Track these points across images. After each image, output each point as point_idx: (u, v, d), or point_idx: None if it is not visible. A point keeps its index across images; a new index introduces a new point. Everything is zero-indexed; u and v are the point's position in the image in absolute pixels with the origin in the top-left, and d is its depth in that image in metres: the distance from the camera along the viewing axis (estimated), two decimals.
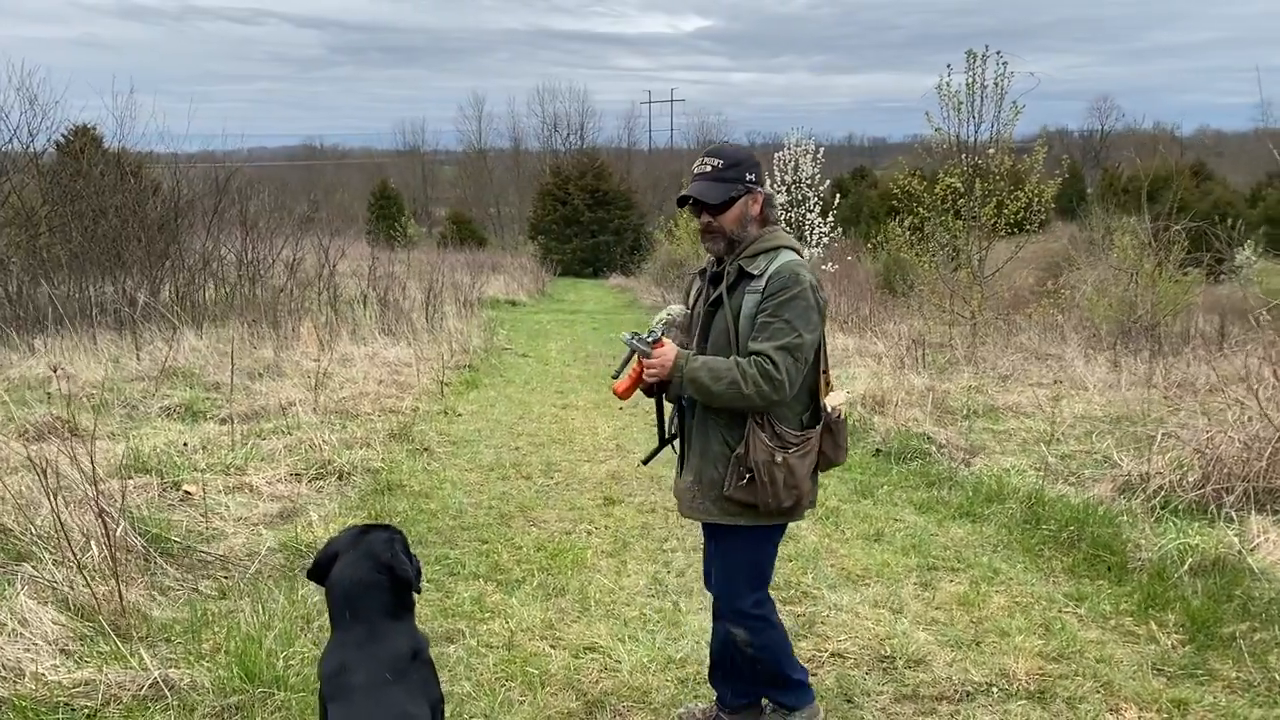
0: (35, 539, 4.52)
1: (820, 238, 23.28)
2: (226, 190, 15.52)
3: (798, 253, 3.10)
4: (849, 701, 3.71)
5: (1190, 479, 5.81)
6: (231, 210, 15.33)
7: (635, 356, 3.07)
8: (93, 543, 4.42)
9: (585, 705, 3.67)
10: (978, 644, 4.19)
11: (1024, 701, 3.69)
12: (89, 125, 16.58)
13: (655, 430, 3.41)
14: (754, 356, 2.93)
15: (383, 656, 2.37)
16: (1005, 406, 8.80)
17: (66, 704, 3.48)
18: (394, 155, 74.03)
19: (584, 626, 4.35)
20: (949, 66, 14.43)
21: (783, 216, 21.44)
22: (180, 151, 16.20)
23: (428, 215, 60.17)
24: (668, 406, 3.35)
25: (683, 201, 3.11)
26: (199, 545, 5.06)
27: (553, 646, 4.16)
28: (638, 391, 3.19)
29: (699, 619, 4.34)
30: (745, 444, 3.01)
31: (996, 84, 14.17)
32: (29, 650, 3.72)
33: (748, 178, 3.08)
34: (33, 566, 4.32)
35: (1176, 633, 4.26)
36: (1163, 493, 5.74)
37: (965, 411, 8.57)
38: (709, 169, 3.07)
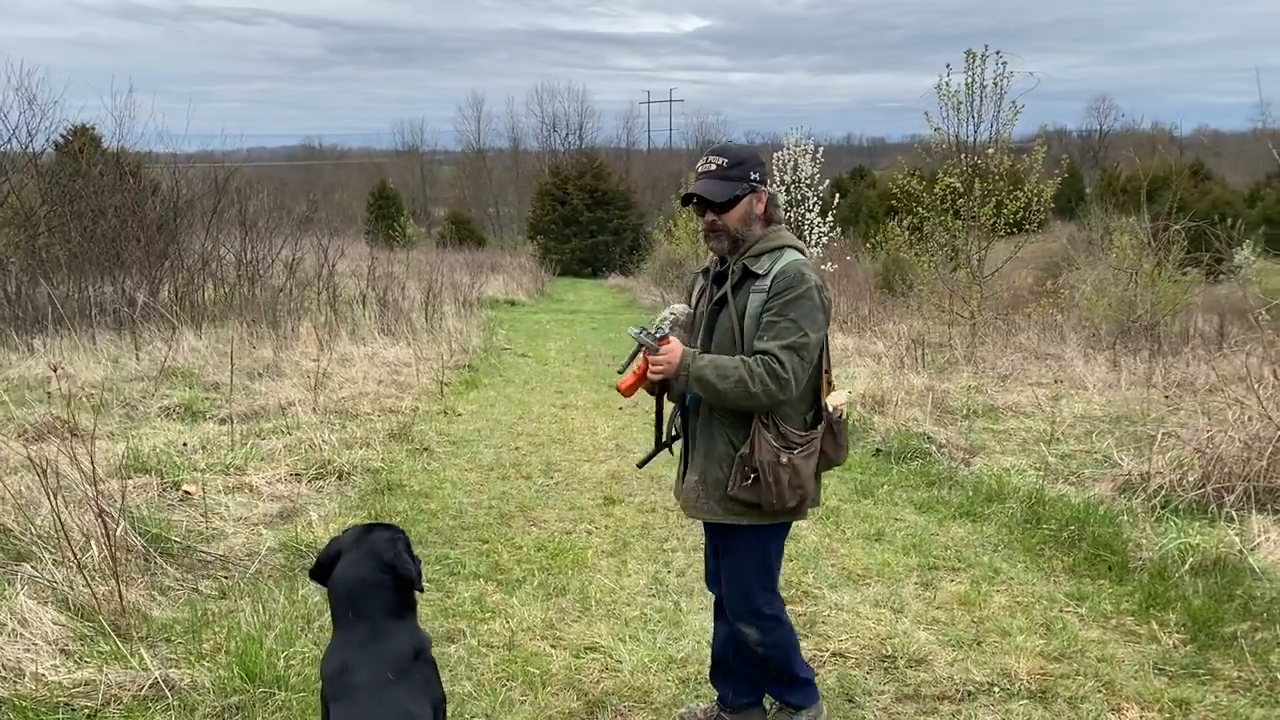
0: (35, 539, 4.52)
1: (819, 237, 23.26)
2: (225, 190, 15.51)
3: (801, 252, 3.10)
4: (850, 701, 3.71)
5: (1191, 478, 5.81)
6: (230, 210, 15.32)
7: (640, 353, 3.05)
8: (93, 543, 4.41)
9: (586, 705, 3.67)
10: (979, 643, 4.19)
11: (1025, 701, 3.69)
12: (88, 125, 16.62)
13: (654, 431, 3.40)
14: (760, 355, 2.92)
15: (385, 656, 2.37)
16: (1005, 406, 8.80)
17: (67, 704, 3.47)
18: (393, 155, 74.07)
19: (585, 626, 4.34)
20: (948, 66, 14.43)
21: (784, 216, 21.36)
22: (179, 151, 16.24)
23: (426, 215, 60.18)
24: (668, 408, 3.34)
25: (687, 200, 3.10)
26: (199, 545, 5.05)
27: (553, 646, 4.15)
28: (638, 392, 3.18)
29: (700, 619, 4.33)
30: (750, 444, 3.00)
31: (996, 84, 14.16)
32: (29, 650, 3.72)
33: (752, 177, 3.08)
34: (33, 566, 4.31)
35: (1178, 632, 4.26)
36: (1163, 492, 5.73)
37: (965, 411, 8.57)
38: (713, 168, 3.07)
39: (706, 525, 3.35)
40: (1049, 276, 20.46)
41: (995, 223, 14.49)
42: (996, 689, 3.78)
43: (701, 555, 4.28)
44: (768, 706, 3.51)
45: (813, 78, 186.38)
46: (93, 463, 4.69)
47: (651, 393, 3.23)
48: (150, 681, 3.56)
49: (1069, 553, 5.25)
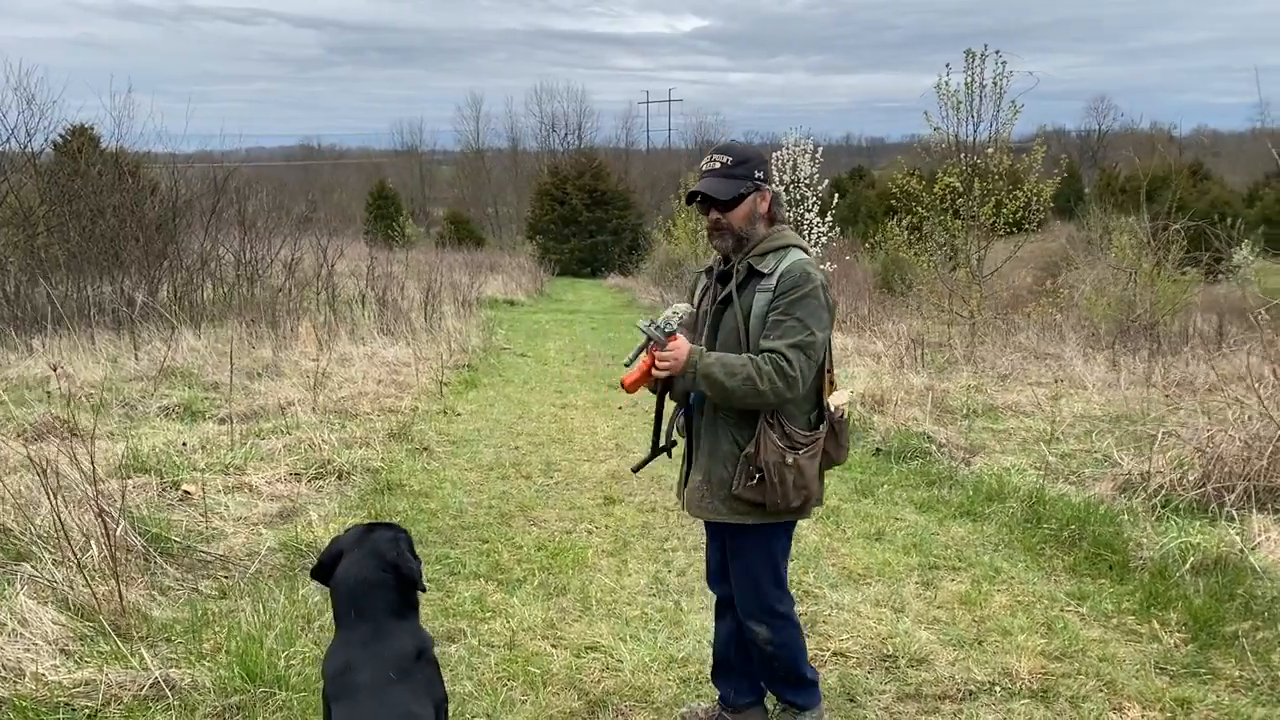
0: (35, 538, 4.51)
1: (819, 237, 23.26)
2: (224, 190, 15.50)
3: (806, 252, 3.09)
4: (852, 700, 3.71)
5: (1191, 478, 5.81)
6: (229, 210, 15.30)
7: (647, 348, 3.03)
8: (92, 542, 4.40)
9: (587, 705, 3.66)
10: (980, 643, 4.19)
11: (1027, 700, 3.69)
12: (86, 125, 16.59)
13: (653, 432, 3.39)
14: (768, 354, 2.92)
15: (387, 655, 2.36)
16: (1004, 406, 8.80)
17: (67, 704, 3.46)
18: (392, 155, 74.02)
19: (585, 626, 4.34)
20: (948, 66, 14.44)
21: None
22: (178, 151, 16.23)
23: (425, 215, 60.20)
24: (668, 410, 3.33)
25: (691, 198, 3.09)
26: (199, 545, 5.05)
27: (554, 646, 4.15)
28: (640, 391, 3.17)
29: (700, 618, 4.33)
30: (756, 443, 3.00)
31: (995, 83, 14.17)
32: (29, 650, 3.71)
33: (756, 175, 3.07)
34: (32, 566, 4.30)
35: (1179, 631, 4.25)
36: (1163, 491, 5.73)
37: (965, 411, 8.57)
38: (718, 166, 3.06)
39: (709, 525, 3.35)
40: (1048, 276, 20.48)
41: (995, 222, 14.50)
42: (998, 688, 3.78)
43: (702, 555, 4.28)
44: (769, 706, 3.51)
45: (811, 78, 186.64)
46: (92, 462, 4.68)
47: (654, 391, 3.22)
48: (151, 681, 3.55)
49: (1070, 552, 5.24)
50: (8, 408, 7.39)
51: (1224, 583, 4.57)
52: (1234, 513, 5.29)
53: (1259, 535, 4.97)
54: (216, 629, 4.10)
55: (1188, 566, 4.73)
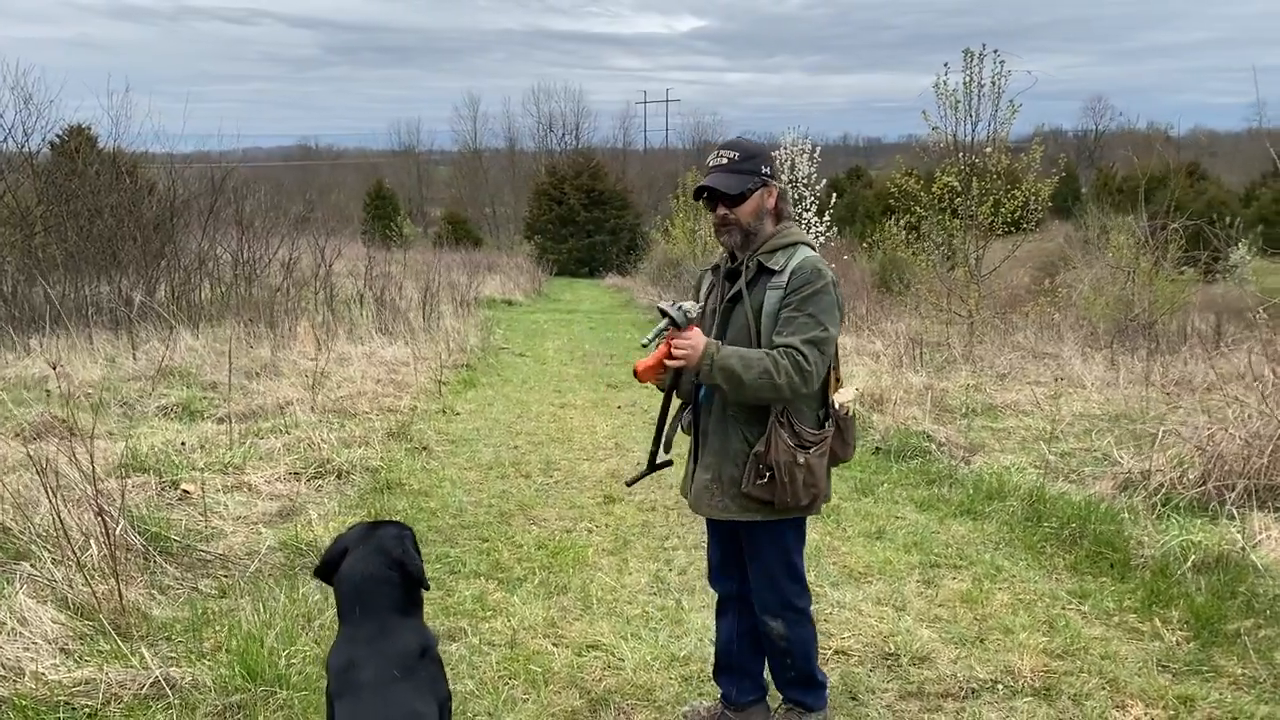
0: (34, 538, 4.50)
1: (817, 237, 23.28)
2: (222, 190, 15.46)
3: (813, 249, 3.09)
4: (854, 699, 3.70)
5: (1191, 476, 5.81)
6: (227, 210, 15.27)
7: (666, 331, 2.98)
8: (92, 541, 4.39)
9: (589, 703, 3.65)
10: (982, 641, 4.18)
11: (1030, 698, 3.68)
12: (84, 125, 16.60)
13: (653, 430, 3.37)
14: (784, 349, 2.91)
15: (391, 653, 2.34)
16: (1003, 405, 8.80)
17: (67, 703, 3.45)
18: (389, 155, 73.94)
19: (586, 624, 4.33)
20: (946, 65, 14.41)
21: None
22: (175, 151, 16.18)
23: (423, 215, 60.19)
24: (670, 412, 3.31)
25: (699, 194, 3.08)
26: (198, 544, 5.03)
27: (555, 644, 4.14)
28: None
29: (702, 616, 4.32)
30: (766, 442, 2.99)
31: (994, 83, 14.15)
32: (29, 649, 3.70)
33: (763, 171, 3.07)
34: (32, 565, 4.29)
35: (1181, 629, 4.25)
36: (1164, 490, 5.73)
37: (964, 410, 8.58)
38: (725, 161, 3.06)
39: (710, 523, 3.34)
40: (1046, 276, 20.50)
41: (993, 222, 14.50)
42: (1000, 686, 3.77)
43: (703, 553, 4.27)
44: (771, 705, 3.50)
45: (809, 78, 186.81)
46: (91, 462, 4.67)
47: (662, 389, 3.21)
48: (151, 680, 3.54)
49: (1070, 550, 5.24)
50: (6, 407, 7.37)
51: (1225, 581, 4.57)
52: (1235, 511, 5.29)
53: (1260, 533, 4.97)
54: (217, 628, 4.09)
55: (1189, 565, 4.73)
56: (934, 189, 14.69)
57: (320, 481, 6.42)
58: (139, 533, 4.78)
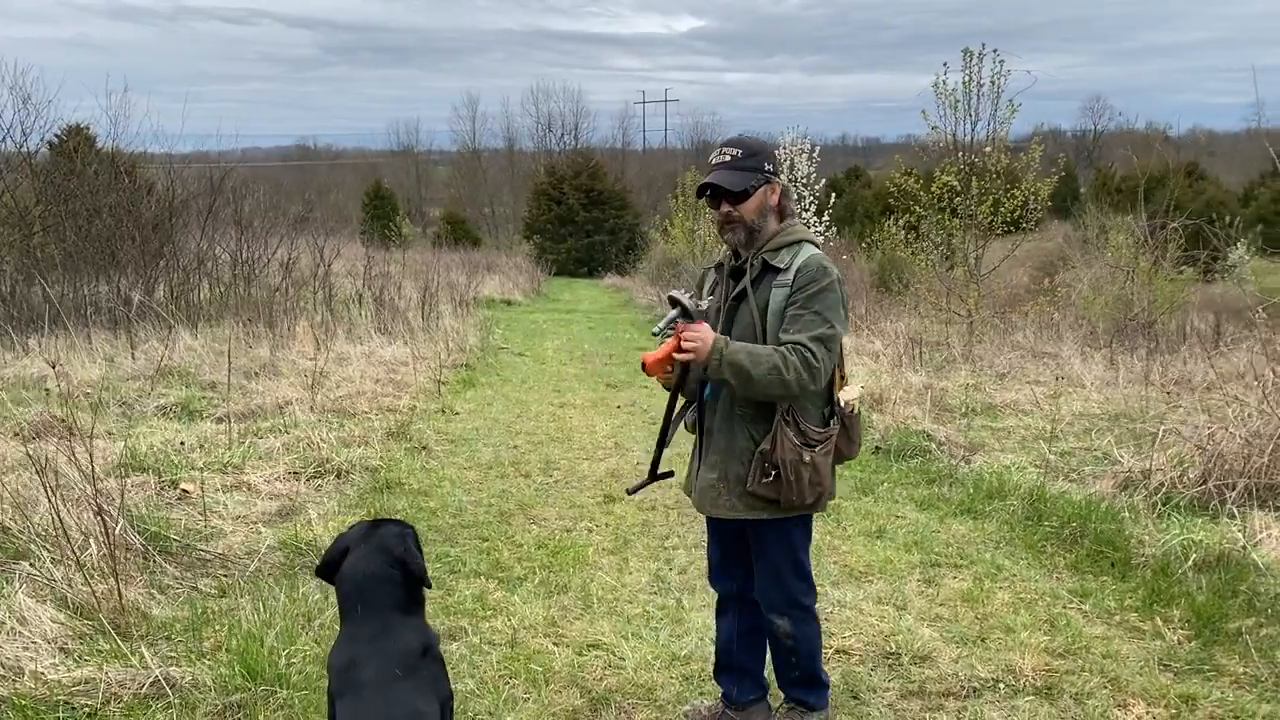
0: (34, 537, 4.49)
1: (816, 236, 23.27)
2: (221, 190, 15.45)
3: (817, 247, 3.08)
4: (855, 698, 3.70)
5: (1191, 475, 5.80)
6: (226, 210, 15.25)
7: (677, 322, 2.95)
8: (91, 541, 4.38)
9: (590, 702, 3.65)
10: (983, 640, 4.18)
11: (1031, 697, 3.68)
12: (82, 125, 16.58)
13: (655, 430, 3.37)
14: (792, 345, 2.90)
15: (393, 652, 2.34)
16: (1003, 404, 8.80)
17: (67, 703, 3.44)
18: (388, 155, 73.88)
19: (587, 624, 4.32)
20: (945, 65, 14.43)
21: None
22: (174, 151, 16.15)
23: (422, 215, 60.16)
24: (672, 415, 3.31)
25: (701, 191, 3.07)
26: (198, 544, 5.02)
27: (556, 644, 4.13)
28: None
29: (702, 615, 4.31)
30: (772, 440, 2.98)
31: (993, 82, 14.17)
32: (28, 649, 3.69)
33: (766, 168, 3.06)
34: (31, 565, 4.28)
35: (1182, 628, 4.25)
36: (1164, 489, 5.73)
37: (964, 409, 8.57)
38: (728, 158, 3.05)
39: (712, 522, 3.33)
40: (1045, 275, 20.51)
41: (992, 221, 14.50)
42: (1002, 685, 3.77)
43: (703, 552, 4.26)
44: (772, 705, 3.49)
45: (807, 78, 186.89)
46: (91, 461, 4.66)
47: (668, 388, 3.20)
48: (151, 680, 3.53)
49: (1071, 549, 5.24)
50: (6, 407, 7.35)
51: (1226, 579, 4.57)
52: (1235, 510, 5.29)
53: (1260, 532, 4.97)
54: (216, 627, 4.08)
55: (1190, 563, 4.73)
56: (933, 188, 14.70)
57: (320, 481, 6.42)
58: (138, 532, 4.77)
